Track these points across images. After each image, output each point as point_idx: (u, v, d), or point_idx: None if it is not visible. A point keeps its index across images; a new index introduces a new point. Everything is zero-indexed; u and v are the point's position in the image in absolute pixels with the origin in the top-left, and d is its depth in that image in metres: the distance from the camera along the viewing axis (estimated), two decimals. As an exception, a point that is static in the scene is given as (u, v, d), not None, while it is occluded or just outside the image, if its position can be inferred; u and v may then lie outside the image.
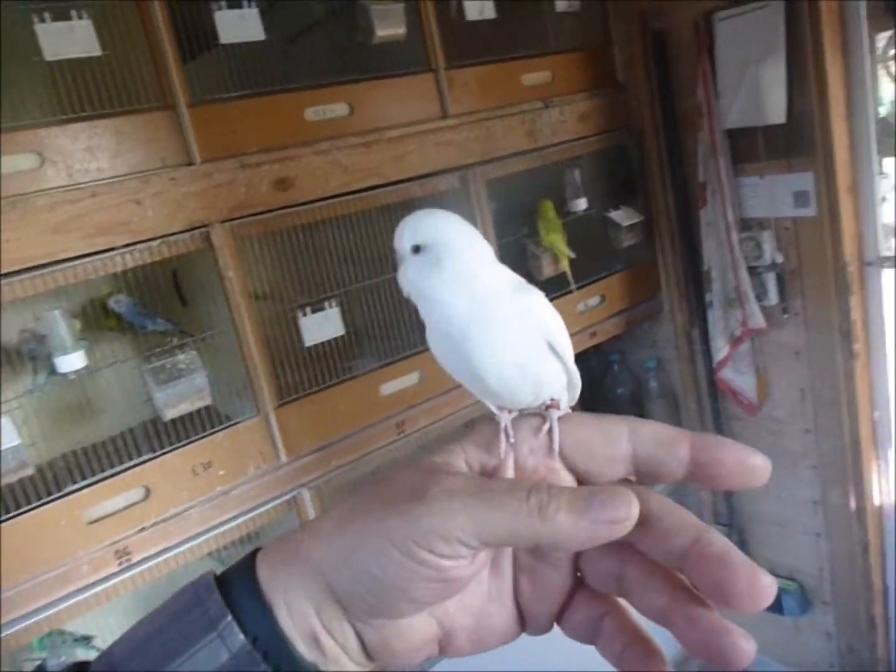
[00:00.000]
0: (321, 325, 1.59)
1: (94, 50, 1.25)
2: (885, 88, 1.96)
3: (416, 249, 0.47)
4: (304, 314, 1.57)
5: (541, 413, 0.45)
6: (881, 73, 1.93)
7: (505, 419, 0.45)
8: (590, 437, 0.43)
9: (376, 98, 1.69)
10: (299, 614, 0.39)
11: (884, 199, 1.98)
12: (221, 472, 1.46)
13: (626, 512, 0.37)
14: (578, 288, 2.05)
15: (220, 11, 1.41)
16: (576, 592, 0.44)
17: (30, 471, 1.27)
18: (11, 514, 1.26)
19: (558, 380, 0.50)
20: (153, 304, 1.48)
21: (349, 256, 1.68)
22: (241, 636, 0.38)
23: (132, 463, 1.36)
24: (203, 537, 1.45)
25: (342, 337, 1.63)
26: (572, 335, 0.58)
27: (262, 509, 1.53)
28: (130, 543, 1.35)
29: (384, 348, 1.76)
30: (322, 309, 1.59)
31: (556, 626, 0.45)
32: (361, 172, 1.66)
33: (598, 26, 2.19)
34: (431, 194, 1.79)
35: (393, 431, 1.75)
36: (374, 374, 1.72)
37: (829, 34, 1.84)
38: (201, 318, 1.54)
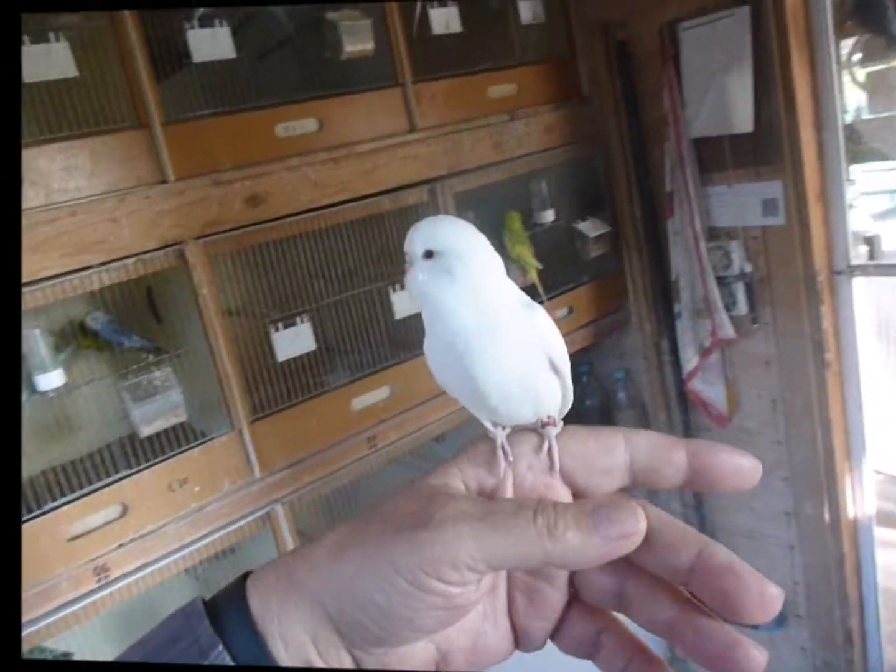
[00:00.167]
0: (293, 341, 1.68)
1: (71, 71, 1.34)
2: (850, 95, 2.03)
3: (429, 255, 0.48)
4: (277, 329, 1.65)
5: (536, 430, 0.47)
6: (846, 79, 2.00)
7: (501, 436, 0.46)
8: (586, 449, 0.44)
9: (345, 113, 1.79)
10: (295, 644, 0.39)
11: (851, 206, 2.04)
12: (197, 489, 1.54)
13: (633, 526, 0.38)
14: (546, 300, 2.14)
15: (193, 30, 1.50)
16: (570, 607, 0.46)
17: (8, 489, 1.35)
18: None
19: (556, 397, 0.51)
20: (129, 321, 1.55)
21: (320, 272, 1.77)
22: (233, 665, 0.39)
23: (110, 480, 1.43)
24: (179, 553, 1.53)
25: (314, 352, 1.71)
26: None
27: (236, 525, 1.61)
28: (108, 560, 1.43)
29: (355, 363, 1.84)
30: (294, 324, 1.68)
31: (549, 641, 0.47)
32: (331, 188, 1.75)
33: (564, 38, 2.27)
34: (400, 208, 1.87)
35: (364, 446, 1.83)
36: (345, 389, 1.80)
37: (795, 41, 1.90)
38: (176, 335, 1.62)
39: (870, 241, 2.12)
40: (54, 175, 1.37)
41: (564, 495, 0.44)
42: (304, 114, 1.72)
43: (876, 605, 2.30)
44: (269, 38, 1.80)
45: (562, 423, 0.47)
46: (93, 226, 1.40)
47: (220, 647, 0.39)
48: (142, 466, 1.48)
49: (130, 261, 1.44)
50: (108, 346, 1.51)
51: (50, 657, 1.43)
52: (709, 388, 2.35)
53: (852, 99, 2.06)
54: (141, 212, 1.46)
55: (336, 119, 1.77)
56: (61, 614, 1.38)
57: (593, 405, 2.61)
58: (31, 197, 1.35)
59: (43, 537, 1.37)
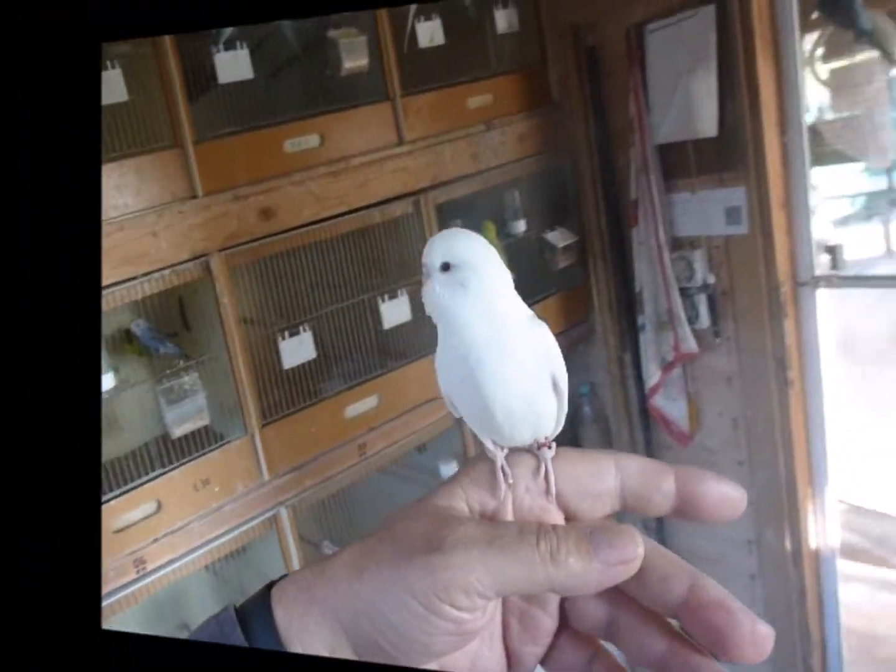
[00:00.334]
0: (297, 349, 1.97)
1: (123, 96, 1.65)
2: (813, 94, 2.13)
3: (446, 267, 0.51)
4: (283, 338, 1.95)
5: (532, 451, 0.50)
6: (809, 77, 2.10)
7: (500, 457, 0.49)
8: (577, 473, 0.48)
9: (342, 128, 2.07)
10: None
11: (813, 212, 2.16)
12: (217, 489, 1.83)
13: (633, 551, 0.42)
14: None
15: (219, 54, 1.81)
16: (560, 634, 0.50)
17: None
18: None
19: (553, 418, 0.53)
20: (164, 329, 1.85)
21: (319, 282, 2.06)
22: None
23: (147, 478, 1.72)
24: (201, 550, 1.82)
25: (314, 360, 2.01)
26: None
27: (247, 526, 1.90)
28: (145, 553, 1.72)
29: (348, 371, 2.13)
30: (297, 333, 1.98)
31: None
32: (331, 201, 2.04)
33: (536, 45, 2.51)
34: (388, 220, 2.17)
35: (355, 454, 2.13)
36: (340, 397, 2.09)
37: (760, 38, 2.02)
38: (200, 342, 1.90)
39: (832, 251, 2.23)
40: (108, 193, 1.64)
41: (558, 519, 0.48)
42: (308, 130, 2.01)
43: (838, 645, 2.40)
44: (277, 57, 2.09)
45: (555, 444, 0.50)
46: (137, 240, 1.69)
47: None
48: (173, 465, 1.77)
49: (167, 272, 1.73)
50: (147, 351, 1.79)
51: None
52: (671, 405, 2.49)
53: (815, 98, 2.15)
54: (175, 226, 1.75)
55: (335, 134, 2.06)
56: (107, 602, 1.66)
57: (558, 420, 2.84)
58: (90, 214, 1.66)
59: (95, 529, 1.68)
